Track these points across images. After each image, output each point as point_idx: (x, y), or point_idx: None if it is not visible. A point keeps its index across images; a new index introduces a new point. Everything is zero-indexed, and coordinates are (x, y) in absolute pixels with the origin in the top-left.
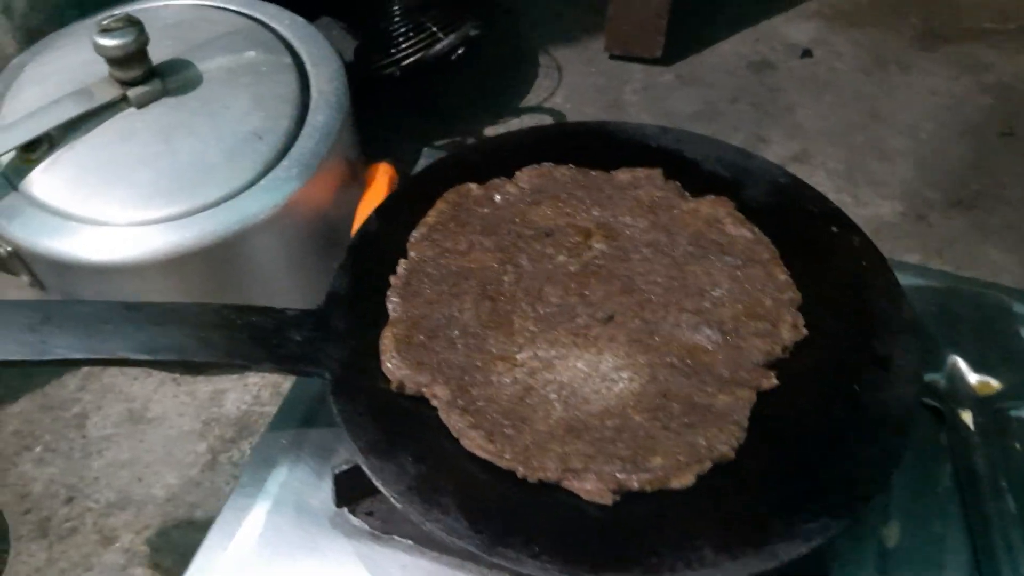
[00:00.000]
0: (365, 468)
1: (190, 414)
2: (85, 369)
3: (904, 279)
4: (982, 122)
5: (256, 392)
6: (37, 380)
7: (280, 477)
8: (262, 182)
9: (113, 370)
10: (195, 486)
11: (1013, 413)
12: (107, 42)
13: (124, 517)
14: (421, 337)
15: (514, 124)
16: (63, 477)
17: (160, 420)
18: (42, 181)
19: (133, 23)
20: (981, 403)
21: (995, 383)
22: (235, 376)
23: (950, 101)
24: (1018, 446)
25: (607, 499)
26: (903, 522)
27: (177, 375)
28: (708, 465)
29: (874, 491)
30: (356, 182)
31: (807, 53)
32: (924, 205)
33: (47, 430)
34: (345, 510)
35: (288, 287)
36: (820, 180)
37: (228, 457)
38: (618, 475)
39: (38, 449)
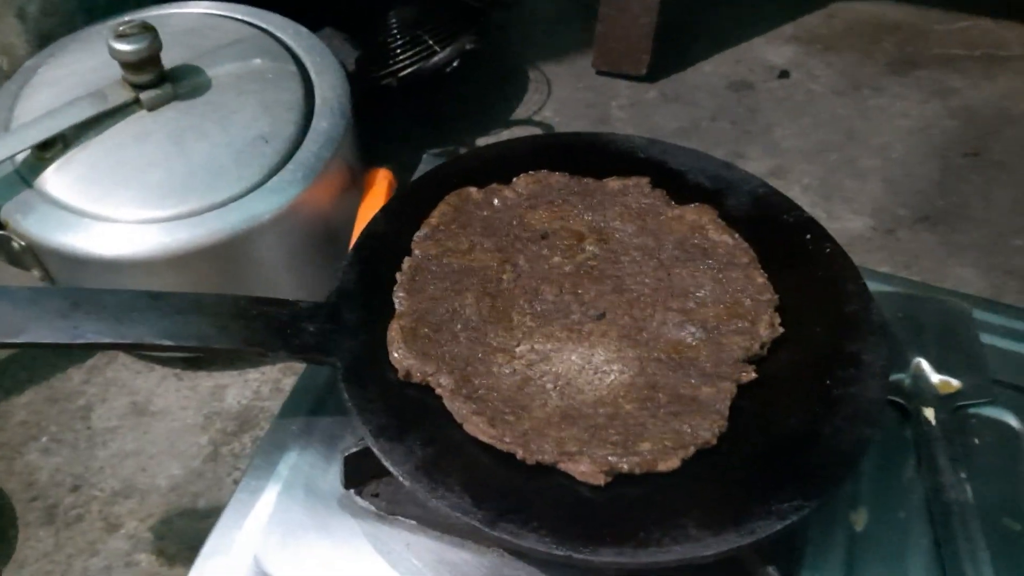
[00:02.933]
0: (375, 450)
1: (192, 408)
2: (89, 363)
3: (872, 285)
4: (948, 144)
5: (256, 388)
6: (43, 373)
7: (290, 461)
8: (268, 184)
9: (117, 364)
10: (197, 476)
11: (971, 410)
12: (122, 47)
13: (129, 505)
14: (426, 330)
15: (504, 135)
16: (69, 466)
17: (163, 413)
18: (56, 179)
19: (148, 29)
20: (942, 401)
21: (955, 383)
22: (235, 372)
23: (920, 123)
24: (976, 441)
25: (599, 480)
26: (870, 509)
27: (179, 370)
28: (692, 450)
29: (843, 475)
30: (356, 186)
31: (784, 75)
32: (893, 221)
33: (53, 421)
34: (352, 492)
35: (290, 285)
36: (795, 195)
37: (229, 450)
38: (610, 458)
39: (44, 439)
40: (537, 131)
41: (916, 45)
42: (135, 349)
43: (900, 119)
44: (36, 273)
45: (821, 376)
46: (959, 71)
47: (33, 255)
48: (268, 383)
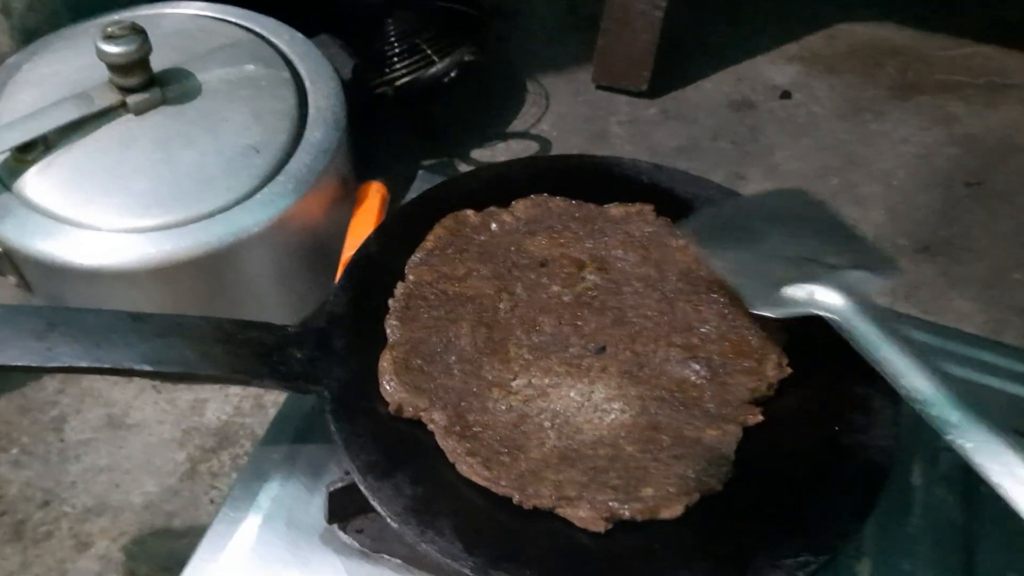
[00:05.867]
0: (362, 488)
1: (170, 422)
2: None
3: None
4: (950, 172)
5: (237, 403)
6: (15, 382)
7: (272, 492)
8: (257, 196)
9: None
10: (173, 495)
11: None
12: (111, 49)
13: (100, 523)
14: (419, 361)
15: (501, 148)
16: (39, 480)
17: (140, 427)
18: (36, 183)
19: (137, 31)
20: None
21: None
22: (216, 386)
23: (921, 150)
24: (983, 489)
25: (600, 527)
26: (874, 559)
27: (157, 382)
28: (696, 497)
29: (852, 530)
30: (348, 200)
31: (786, 95)
32: (894, 250)
33: (24, 432)
34: (336, 527)
35: (277, 300)
36: None
37: (207, 467)
38: (610, 504)
39: (14, 451)
40: (534, 144)
41: (918, 70)
42: (113, 374)
43: (902, 145)
44: (12, 280)
45: (830, 421)
46: (961, 98)
47: (9, 261)
48: (249, 399)
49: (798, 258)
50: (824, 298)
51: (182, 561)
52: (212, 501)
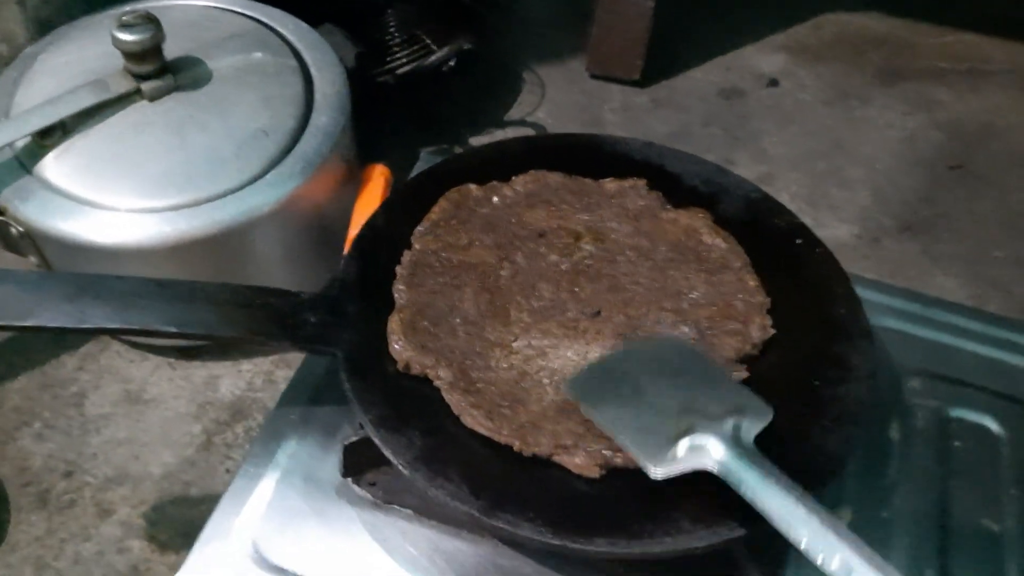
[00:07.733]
0: (376, 440)
1: (185, 397)
2: (83, 350)
3: (860, 291)
4: (933, 156)
5: (249, 379)
6: (36, 359)
7: (289, 449)
8: (267, 177)
9: (111, 352)
10: (190, 465)
11: (952, 413)
12: (125, 36)
13: (121, 492)
14: (425, 323)
15: (499, 135)
16: (62, 452)
17: (156, 402)
18: (55, 166)
19: (151, 20)
20: (925, 404)
21: (938, 386)
22: (229, 362)
23: (905, 135)
24: (957, 444)
25: (594, 473)
26: (854, 509)
27: (173, 359)
28: None
29: (831, 474)
30: (353, 181)
31: (774, 83)
32: (878, 230)
33: (46, 407)
34: (350, 481)
35: (285, 277)
36: (783, 202)
37: (222, 439)
38: (604, 452)
39: (37, 425)
40: (531, 132)
41: (902, 58)
42: (140, 335)
43: (886, 130)
44: (33, 260)
45: (809, 377)
46: (945, 84)
47: (31, 241)
48: (261, 374)
49: (680, 410)
50: (712, 452)
51: (200, 526)
52: (227, 471)
